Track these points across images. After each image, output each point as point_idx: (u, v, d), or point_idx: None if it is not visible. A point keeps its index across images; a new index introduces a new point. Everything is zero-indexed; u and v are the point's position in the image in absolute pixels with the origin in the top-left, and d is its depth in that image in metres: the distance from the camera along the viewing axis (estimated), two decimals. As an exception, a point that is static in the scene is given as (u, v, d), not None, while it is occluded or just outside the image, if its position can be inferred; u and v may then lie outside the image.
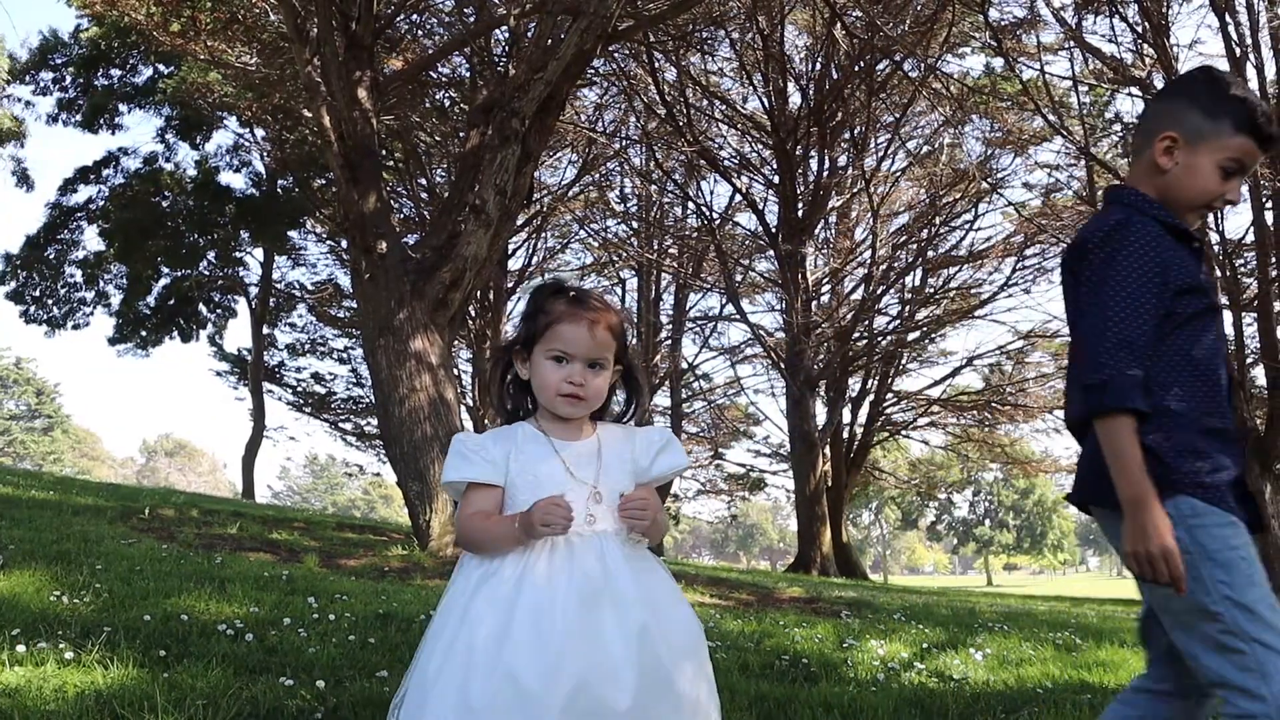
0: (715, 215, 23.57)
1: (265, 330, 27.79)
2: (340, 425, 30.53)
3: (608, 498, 1.97)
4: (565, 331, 1.99)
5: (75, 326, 25.53)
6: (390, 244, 10.08)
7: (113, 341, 25.82)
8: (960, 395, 25.78)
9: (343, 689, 3.15)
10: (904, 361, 25.34)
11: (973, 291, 23.33)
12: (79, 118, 23.05)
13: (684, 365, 28.82)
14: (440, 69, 20.52)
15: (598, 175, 24.40)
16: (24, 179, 27.96)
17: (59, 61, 22.93)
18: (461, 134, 16.79)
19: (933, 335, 24.09)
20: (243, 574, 5.42)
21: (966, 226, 22.46)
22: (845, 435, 24.06)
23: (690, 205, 24.22)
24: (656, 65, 18.08)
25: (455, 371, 15.70)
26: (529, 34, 11.67)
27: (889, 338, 23.06)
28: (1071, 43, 15.83)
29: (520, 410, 2.12)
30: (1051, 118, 15.69)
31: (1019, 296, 24.43)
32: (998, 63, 18.71)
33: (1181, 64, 14.36)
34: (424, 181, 23.06)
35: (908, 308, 22.99)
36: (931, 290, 22.95)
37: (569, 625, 1.78)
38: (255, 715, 2.79)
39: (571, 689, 1.73)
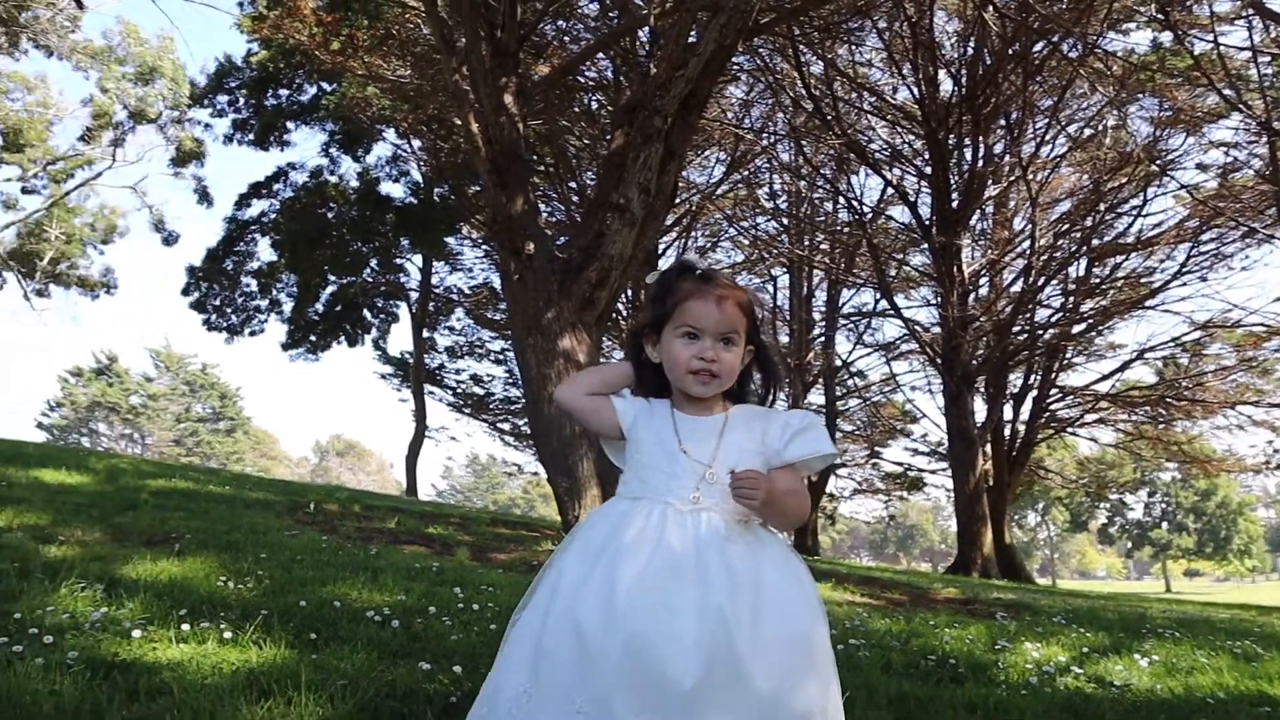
0: (866, 209, 23.11)
1: (425, 334, 28.81)
2: (498, 425, 31.41)
3: (722, 478, 1.93)
4: (694, 308, 2.01)
5: (252, 333, 27.06)
6: (538, 245, 10.28)
7: (285, 347, 27.22)
8: (1131, 390, 24.46)
9: (479, 675, 3.21)
10: (1069, 355, 24.24)
11: (1143, 280, 22.06)
12: (251, 137, 24.40)
13: (838, 362, 28.36)
14: (587, 72, 20.82)
15: (746, 173, 24.28)
16: (204, 196, 29.91)
17: (233, 85, 24.35)
18: (609, 136, 17.01)
19: (1099, 327, 22.90)
20: (395, 565, 5.61)
21: (1134, 212, 21.31)
22: (1007, 433, 23.21)
23: (840, 200, 23.79)
24: (802, 59, 17.83)
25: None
26: (670, 33, 11.71)
27: (1051, 331, 22.09)
28: (1250, 10, 14.79)
29: (651, 395, 2.12)
30: (1228, 92, 14.73)
31: (1194, 285, 22.88)
32: (1166, 37, 17.66)
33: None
34: (574, 185, 23.42)
35: (1071, 299, 21.98)
36: (1097, 280, 21.84)
37: (640, 586, 1.78)
38: (393, 696, 2.88)
39: (627, 645, 1.72)
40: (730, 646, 1.75)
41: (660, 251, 25.34)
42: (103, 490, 7.72)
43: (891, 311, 22.51)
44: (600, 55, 19.33)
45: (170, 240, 32.34)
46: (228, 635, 3.39)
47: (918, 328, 22.22)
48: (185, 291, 26.23)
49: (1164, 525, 73.46)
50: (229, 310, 26.64)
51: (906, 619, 5.82)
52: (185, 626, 3.43)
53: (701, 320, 2.00)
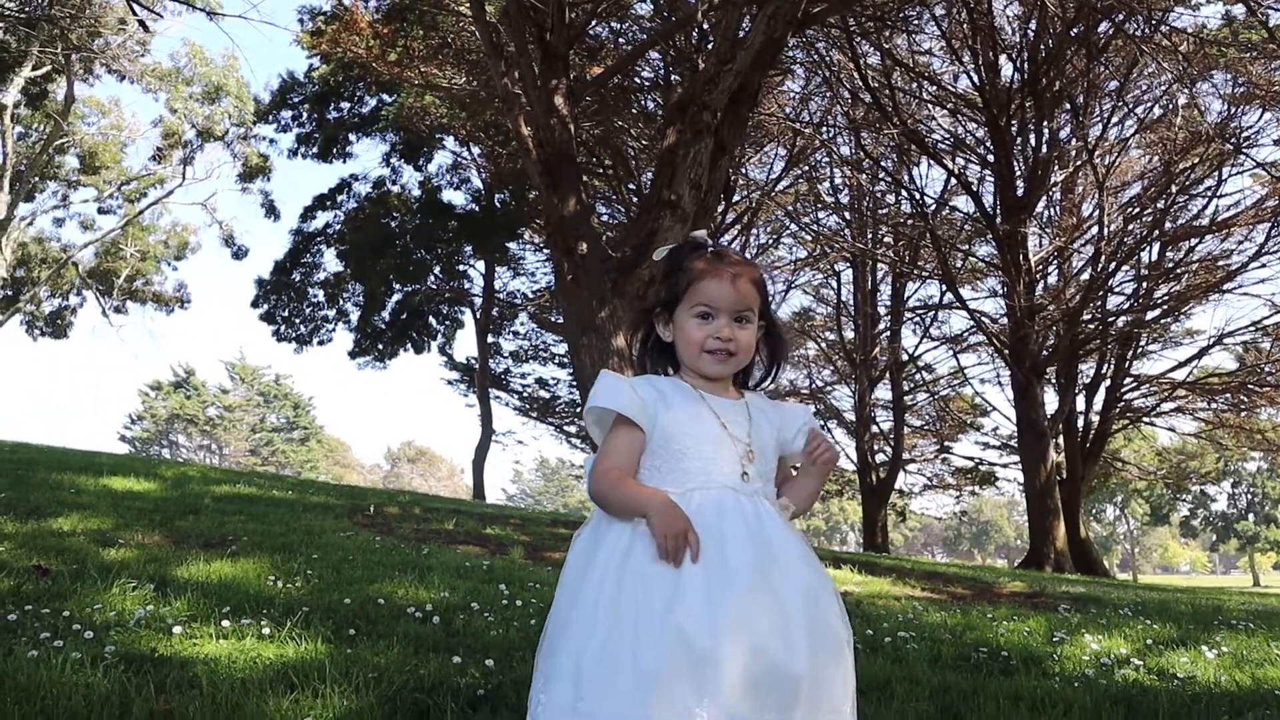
0: (929, 200, 22.76)
1: (490, 339, 29.07)
2: (564, 428, 31.54)
3: (760, 458, 1.93)
4: (708, 287, 1.97)
5: (320, 343, 27.60)
6: (591, 245, 10.29)
7: (353, 355, 27.70)
8: (1210, 377, 23.66)
9: (510, 669, 3.20)
10: (1143, 343, 23.57)
11: (1220, 263, 21.34)
12: (315, 150, 24.90)
13: (904, 357, 27.96)
14: (643, 73, 20.83)
15: (806, 167, 24.08)
16: (271, 210, 30.59)
17: (296, 100, 24.86)
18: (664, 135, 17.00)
19: (1175, 313, 22.19)
20: (445, 564, 5.64)
21: (1209, 193, 20.63)
22: (1080, 424, 22.64)
23: (903, 192, 23.44)
24: (859, 50, 17.59)
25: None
26: (719, 27, 11.64)
27: (1124, 318, 21.50)
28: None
29: (662, 373, 2.07)
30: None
31: (1275, 266, 22.14)
32: (1239, 10, 17.02)
33: None
34: (633, 186, 23.40)
35: (1144, 285, 21.37)
36: (1170, 264, 21.19)
37: (742, 585, 1.73)
38: (419, 689, 2.87)
39: (747, 652, 1.67)
40: (829, 622, 1.79)
41: (721, 250, 25.23)
42: (167, 496, 7.89)
43: (957, 303, 22.09)
44: (655, 55, 19.33)
45: (240, 254, 33.14)
46: (266, 631, 3.43)
47: (985, 319, 21.80)
48: (255, 304, 26.84)
49: (1250, 517, 71.03)
50: (297, 321, 27.18)
51: (964, 612, 5.68)
52: (226, 623, 3.48)
53: (716, 299, 1.96)
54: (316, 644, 3.33)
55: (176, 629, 3.36)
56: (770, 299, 2.13)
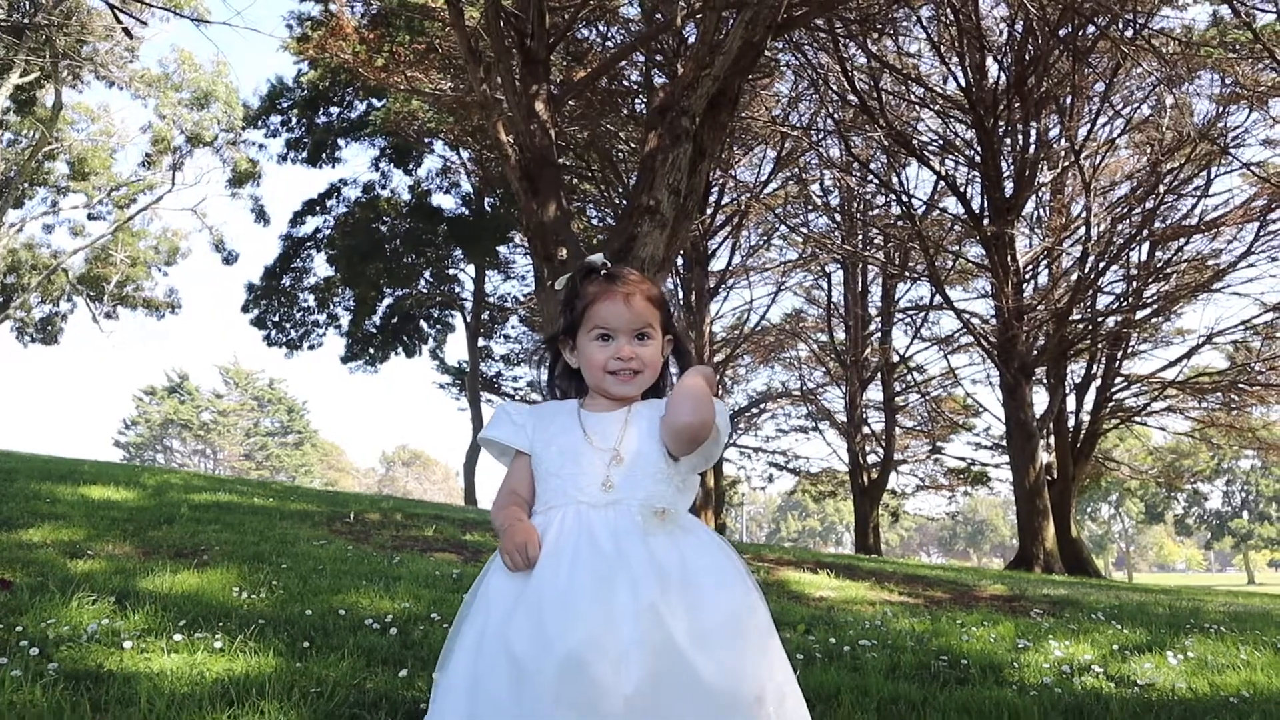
0: (918, 202, 22.78)
1: (481, 342, 29.06)
2: (557, 432, 31.48)
3: (630, 462, 1.89)
4: (603, 309, 1.98)
5: (311, 347, 27.61)
6: (570, 250, 10.28)
7: (344, 360, 27.69)
8: (1200, 376, 23.69)
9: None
10: (1133, 343, 23.61)
11: (1209, 263, 21.36)
12: (304, 155, 24.89)
13: (895, 358, 28.00)
14: (631, 76, 20.85)
15: (795, 170, 24.11)
16: (261, 215, 30.56)
17: (284, 105, 24.85)
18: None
19: (1164, 313, 22.21)
20: (415, 573, 5.63)
21: (1197, 193, 20.66)
22: (1071, 424, 22.67)
23: (891, 194, 23.47)
24: (846, 53, 17.60)
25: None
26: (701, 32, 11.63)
27: (1114, 318, 21.53)
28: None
29: (573, 398, 2.09)
30: (1290, 66, 14.18)
31: (1263, 265, 22.15)
32: (1226, 11, 17.03)
33: None
34: (621, 190, 23.41)
35: (1133, 284, 21.39)
36: (1160, 264, 21.22)
37: (567, 599, 1.71)
38: (361, 704, 2.86)
39: (561, 665, 1.64)
40: (671, 644, 1.68)
41: (712, 252, 25.27)
42: (144, 505, 7.86)
43: (947, 305, 22.12)
44: (642, 58, 19.34)
45: (230, 259, 33.10)
46: (219, 645, 3.41)
47: (974, 319, 21.82)
48: (245, 308, 26.82)
49: (1244, 515, 71.15)
50: (288, 325, 27.18)
51: (935, 618, 5.68)
52: (179, 637, 3.46)
53: (612, 320, 1.97)
54: (267, 657, 3.32)
55: (128, 644, 3.35)
56: (672, 313, 2.11)
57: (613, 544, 1.79)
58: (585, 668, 1.64)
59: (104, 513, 7.19)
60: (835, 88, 19.43)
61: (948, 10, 17.65)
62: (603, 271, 2.02)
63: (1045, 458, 20.25)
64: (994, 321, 21.50)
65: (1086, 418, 23.02)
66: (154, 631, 3.60)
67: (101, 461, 14.81)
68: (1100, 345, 22.16)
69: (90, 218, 33.73)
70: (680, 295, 24.26)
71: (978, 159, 19.96)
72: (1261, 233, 19.98)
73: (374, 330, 27.55)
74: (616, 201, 23.24)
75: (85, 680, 2.88)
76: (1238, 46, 16.99)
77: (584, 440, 1.93)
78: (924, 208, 22.79)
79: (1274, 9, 14.18)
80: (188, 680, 2.97)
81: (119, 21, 15.87)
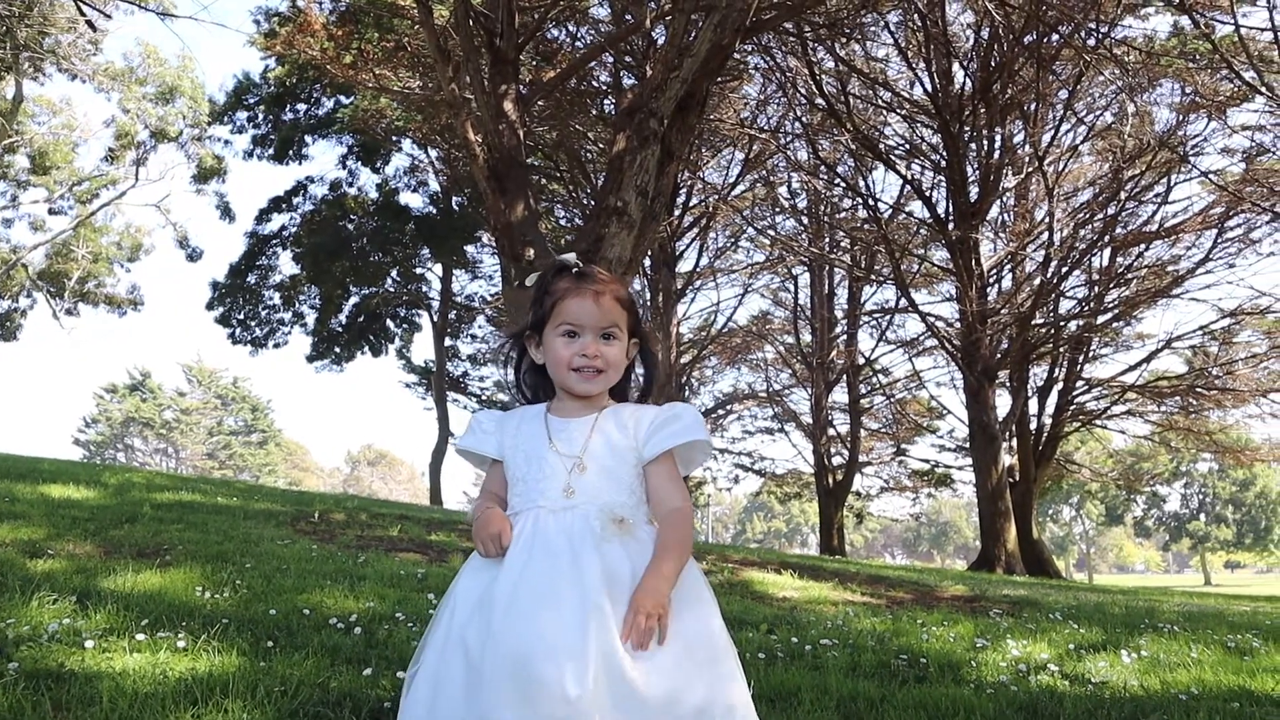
0: (885, 205, 22.97)
1: (448, 342, 28.97)
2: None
3: (593, 470, 1.92)
4: (572, 306, 2.00)
5: (276, 345, 27.38)
6: (538, 251, 10.29)
7: (310, 359, 27.50)
8: (1159, 380, 24.05)
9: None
10: (1095, 347, 23.94)
11: (1168, 269, 21.73)
12: (270, 151, 24.68)
13: (861, 360, 28.21)
14: (600, 78, 20.84)
15: (763, 172, 24.22)
16: (226, 212, 30.26)
17: (251, 101, 24.63)
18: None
19: (1125, 317, 22.55)
20: (380, 572, 5.62)
21: (1158, 199, 21.00)
22: (1033, 427, 22.95)
23: (857, 197, 23.65)
24: (814, 57, 17.71)
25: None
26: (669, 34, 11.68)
27: (1076, 322, 21.83)
28: (1270, -9, 14.49)
29: (540, 396, 2.13)
30: (1250, 76, 14.41)
31: (1221, 272, 22.53)
32: (1187, 22, 17.30)
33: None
34: (590, 190, 23.43)
35: (1095, 289, 21.69)
36: (1121, 269, 21.53)
37: (517, 598, 1.76)
38: (324, 702, 2.87)
39: (507, 663, 1.69)
40: (613, 651, 1.71)
41: (679, 254, 25.33)
42: (106, 504, 7.78)
43: (911, 308, 22.33)
44: (611, 59, 19.35)
45: (194, 256, 32.73)
46: (182, 645, 3.40)
47: (938, 323, 22.03)
48: (210, 306, 26.57)
49: (1202, 517, 72.29)
50: (253, 324, 26.95)
51: (896, 618, 5.75)
52: (141, 636, 3.45)
53: (580, 317, 1.99)
54: (231, 657, 3.31)
55: (89, 643, 3.33)
56: (640, 316, 2.14)
57: (567, 548, 1.82)
58: (530, 668, 1.68)
59: (64, 512, 7.11)
60: (803, 91, 19.55)
61: (915, 16, 17.82)
62: (574, 270, 2.05)
63: (1007, 460, 20.48)
64: (958, 325, 21.73)
65: (1048, 421, 23.32)
66: (116, 631, 3.58)
67: (61, 460, 14.60)
68: (1062, 349, 22.46)
69: (51, 212, 33.28)
70: (647, 296, 24.29)
71: (943, 164, 20.16)
72: (1219, 239, 20.36)
73: (340, 329, 27.38)
74: (584, 202, 23.24)
75: (46, 680, 2.86)
76: (1197, 56, 17.30)
77: (549, 446, 1.97)
78: (890, 211, 22.98)
79: (1232, 20, 14.41)
80: (151, 679, 2.96)
81: (82, 14, 15.68)
